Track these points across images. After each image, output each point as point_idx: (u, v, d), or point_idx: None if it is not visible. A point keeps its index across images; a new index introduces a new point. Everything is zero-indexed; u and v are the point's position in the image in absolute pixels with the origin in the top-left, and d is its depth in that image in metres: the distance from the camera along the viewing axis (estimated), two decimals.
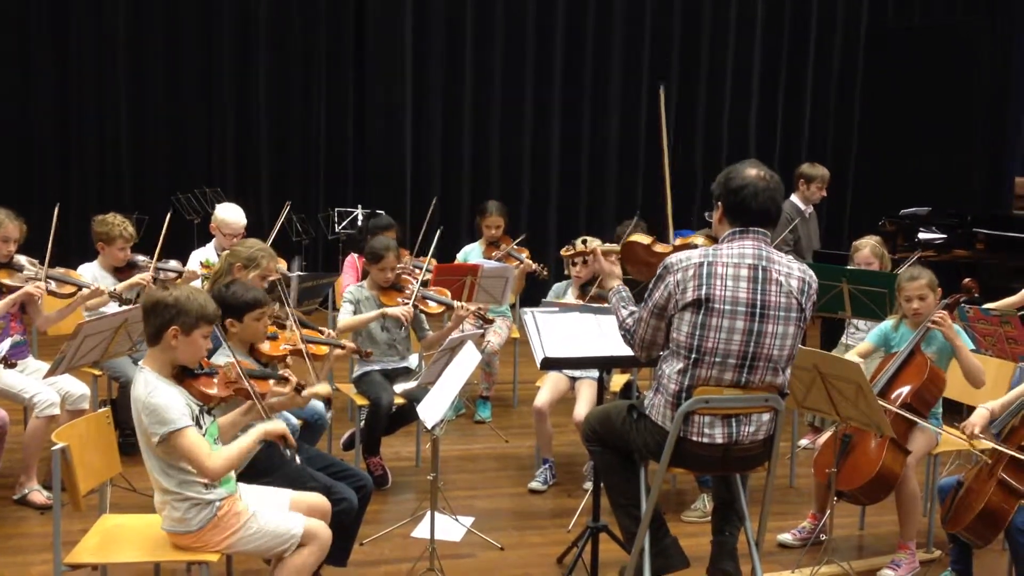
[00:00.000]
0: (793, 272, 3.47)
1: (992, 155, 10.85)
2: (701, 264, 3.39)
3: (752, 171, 3.50)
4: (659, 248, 3.94)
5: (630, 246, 4.00)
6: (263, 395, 3.56)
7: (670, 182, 4.22)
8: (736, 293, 3.37)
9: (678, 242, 3.96)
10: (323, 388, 3.92)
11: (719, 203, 3.54)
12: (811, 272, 3.56)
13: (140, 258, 5.60)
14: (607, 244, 4.08)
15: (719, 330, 3.36)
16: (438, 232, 5.80)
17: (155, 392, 3.27)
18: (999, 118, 10.88)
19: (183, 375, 3.38)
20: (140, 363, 3.39)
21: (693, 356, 3.38)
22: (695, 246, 3.68)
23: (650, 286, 3.51)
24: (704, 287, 3.36)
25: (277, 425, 3.39)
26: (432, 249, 5.78)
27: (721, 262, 3.39)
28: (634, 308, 3.67)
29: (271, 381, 3.68)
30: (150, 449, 3.30)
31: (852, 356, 4.81)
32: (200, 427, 3.33)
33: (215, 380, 3.46)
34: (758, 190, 3.45)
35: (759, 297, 3.38)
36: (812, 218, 7.39)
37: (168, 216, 5.81)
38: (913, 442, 4.38)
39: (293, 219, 9.00)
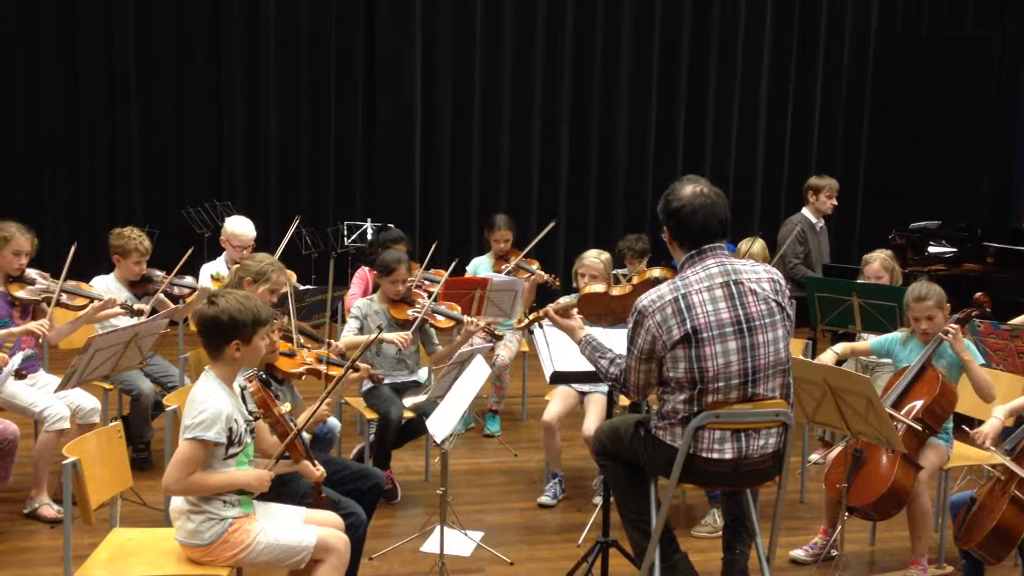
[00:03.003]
0: (762, 276, 3.48)
1: (1002, 168, 10.83)
2: (676, 299, 3.38)
3: (688, 189, 3.48)
4: (619, 291, 3.93)
5: (588, 298, 4.00)
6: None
7: None
8: (719, 316, 3.36)
9: (636, 280, 3.95)
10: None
11: (664, 226, 3.54)
12: (776, 270, 3.57)
13: (156, 272, 5.63)
14: (561, 301, 4.09)
15: (714, 357, 3.35)
16: (454, 263, 5.89)
17: (213, 396, 3.30)
18: (1008, 130, 10.87)
19: (262, 383, 3.44)
20: (207, 367, 3.43)
21: (698, 387, 3.38)
22: (655, 280, 3.68)
23: (628, 333, 3.49)
24: (688, 321, 3.35)
25: (257, 482, 3.38)
26: (429, 257, 5.83)
27: (694, 290, 3.38)
28: (612, 355, 3.66)
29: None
30: None
31: (838, 347, 4.81)
32: (237, 445, 3.34)
33: (277, 404, 3.51)
34: (695, 208, 3.44)
35: (741, 312, 3.38)
36: (823, 231, 7.38)
37: (190, 251, 5.84)
38: (925, 457, 4.36)
39: (303, 232, 9.02)
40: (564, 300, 4.11)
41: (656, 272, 3.85)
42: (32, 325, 4.88)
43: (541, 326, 4.14)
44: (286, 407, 3.67)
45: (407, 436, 5.32)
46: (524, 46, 10.33)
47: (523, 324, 4.16)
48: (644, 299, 3.43)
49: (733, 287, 3.40)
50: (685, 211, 3.43)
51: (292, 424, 3.51)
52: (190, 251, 5.79)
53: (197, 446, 3.24)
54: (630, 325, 3.46)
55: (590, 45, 10.51)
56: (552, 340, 4.17)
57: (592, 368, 4.06)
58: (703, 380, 3.35)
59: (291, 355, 4.07)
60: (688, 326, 3.34)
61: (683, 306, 3.35)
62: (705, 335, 3.33)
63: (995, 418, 4.15)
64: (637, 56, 10.63)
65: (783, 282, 3.53)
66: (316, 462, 3.56)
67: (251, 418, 3.44)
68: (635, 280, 3.93)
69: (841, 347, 4.90)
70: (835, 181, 7.32)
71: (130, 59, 9.60)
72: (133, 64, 9.61)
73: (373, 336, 5.21)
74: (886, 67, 11.01)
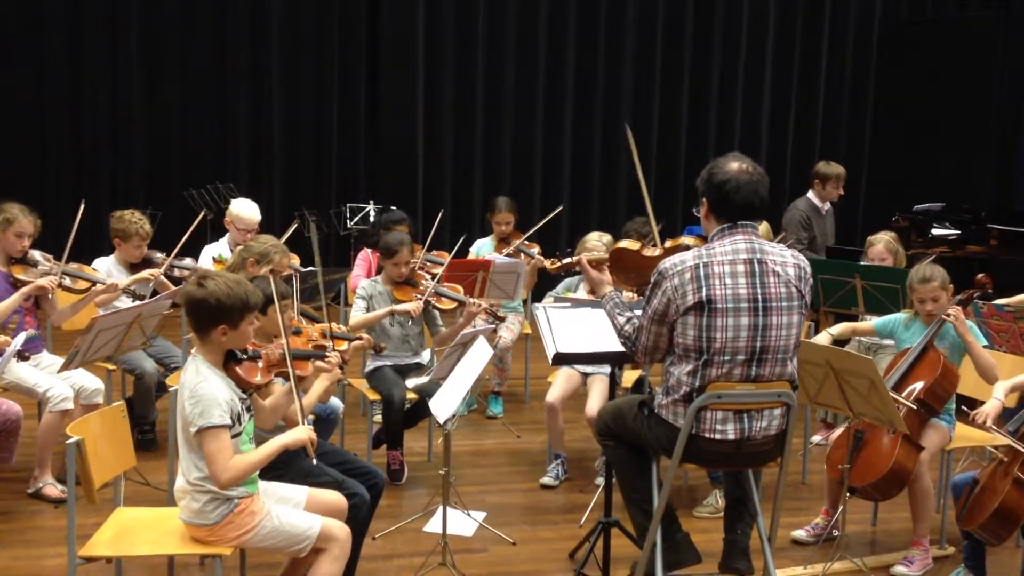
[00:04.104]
0: (788, 260, 3.46)
1: (1006, 151, 10.80)
2: (697, 266, 3.37)
3: (734, 164, 3.47)
4: (649, 252, 3.92)
5: (619, 253, 3.98)
6: (303, 378, 3.56)
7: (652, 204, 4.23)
8: (736, 290, 3.35)
9: (668, 244, 3.95)
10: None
11: (704, 199, 3.53)
12: (803, 257, 3.56)
13: (156, 255, 5.64)
14: (594, 254, 4.07)
15: (725, 329, 3.34)
16: (461, 239, 5.89)
17: (204, 382, 3.28)
18: (1013, 113, 10.82)
19: (227, 360, 3.39)
20: (193, 351, 3.41)
21: (703, 358, 3.37)
22: (686, 247, 3.66)
23: (647, 293, 3.49)
24: (704, 289, 3.34)
25: (299, 435, 3.37)
26: (433, 233, 5.85)
27: (716, 261, 3.38)
28: (630, 314, 3.66)
29: (314, 361, 3.68)
30: (187, 436, 3.31)
31: (834, 329, 4.83)
32: (239, 424, 3.34)
33: (258, 366, 3.45)
34: (740, 184, 3.43)
35: (759, 291, 3.37)
36: (828, 215, 7.35)
37: (197, 219, 5.87)
38: (926, 438, 4.36)
39: (305, 215, 9.02)
40: (598, 253, 4.09)
41: (689, 240, 3.85)
42: (42, 280, 4.89)
43: (573, 272, 4.08)
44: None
45: (417, 417, 5.33)
46: (527, 28, 10.30)
47: (556, 266, 4.17)
48: (666, 262, 3.43)
49: (756, 265, 3.39)
50: (730, 186, 3.42)
51: (285, 350, 3.48)
52: (190, 231, 5.78)
53: (212, 433, 3.23)
54: (650, 285, 3.46)
55: (593, 30, 10.47)
56: (555, 321, 4.17)
57: (594, 350, 4.08)
58: (709, 351, 3.35)
59: (298, 332, 4.08)
60: (703, 294, 3.34)
61: (702, 274, 3.35)
62: (719, 306, 3.33)
63: (996, 398, 4.16)
64: (641, 41, 10.59)
65: (809, 270, 3.51)
66: (325, 356, 3.64)
67: (244, 396, 3.44)
68: (668, 244, 3.92)
69: (839, 328, 4.90)
70: (843, 169, 7.24)
71: (133, 39, 9.57)
72: (136, 44, 9.58)
73: (386, 309, 5.24)
74: (890, 50, 10.97)
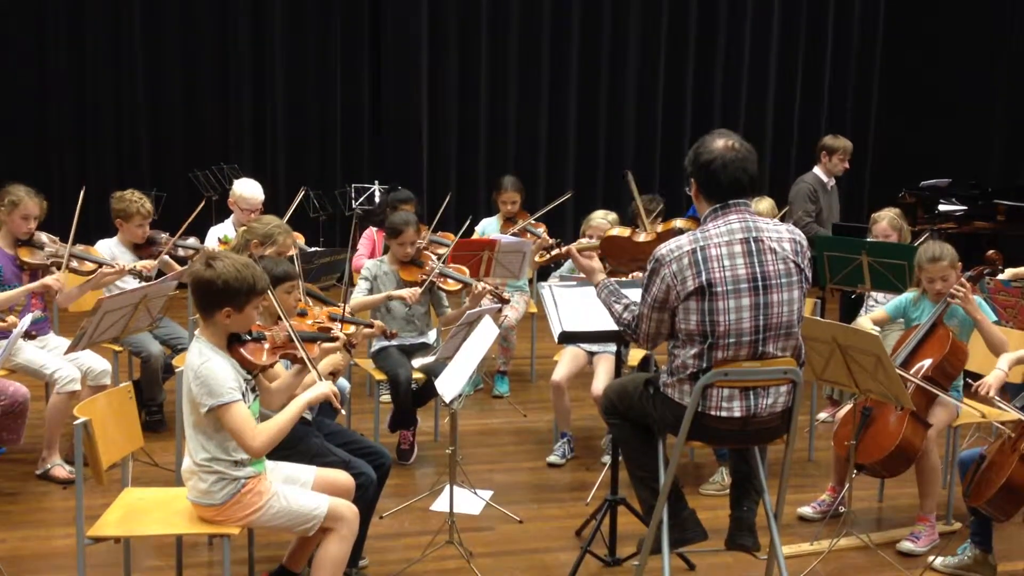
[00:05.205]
0: (783, 235, 3.43)
1: (1013, 126, 10.74)
2: (694, 251, 3.34)
3: (719, 142, 3.43)
4: (642, 238, 3.89)
5: (610, 241, 3.96)
6: (312, 359, 3.55)
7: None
8: (735, 271, 3.33)
9: (660, 228, 3.92)
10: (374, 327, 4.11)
11: (692, 180, 3.49)
12: (799, 231, 3.52)
13: (161, 235, 5.63)
14: (583, 241, 4.06)
15: (727, 312, 3.32)
16: (468, 221, 5.90)
17: (208, 363, 3.27)
18: (1021, 88, 10.76)
19: (231, 342, 3.38)
20: (196, 332, 3.40)
21: (708, 341, 3.36)
22: (679, 230, 3.63)
23: (644, 280, 3.47)
24: (703, 273, 3.32)
25: (321, 389, 3.38)
26: (461, 233, 5.85)
27: (713, 243, 3.35)
28: (627, 300, 3.65)
29: (319, 343, 3.66)
30: (195, 418, 3.32)
31: (865, 322, 4.81)
32: (244, 404, 3.33)
33: (263, 347, 3.44)
34: (726, 161, 3.39)
35: (758, 269, 3.35)
36: (833, 191, 7.33)
37: (203, 202, 5.86)
38: (933, 415, 4.36)
39: (310, 195, 9.01)
40: (586, 241, 4.08)
41: (680, 223, 3.81)
42: (48, 279, 4.90)
43: (561, 263, 4.07)
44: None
45: (426, 397, 5.33)
46: (531, 10, 10.25)
47: (545, 259, 4.16)
48: (662, 248, 3.40)
49: (753, 244, 3.36)
50: (715, 165, 3.39)
51: (290, 331, 3.47)
52: (196, 211, 5.78)
53: (226, 409, 3.23)
54: (646, 273, 3.44)
55: (597, 8, 10.42)
56: (560, 300, 4.16)
57: (600, 328, 4.07)
58: (714, 334, 3.34)
59: (303, 314, 4.08)
60: (703, 278, 3.32)
61: (700, 258, 3.33)
62: (719, 289, 3.31)
63: (999, 369, 4.14)
64: (645, 19, 10.54)
65: (805, 244, 3.48)
66: (329, 336, 3.65)
67: (249, 377, 3.44)
68: (659, 228, 3.90)
69: (873, 320, 4.86)
70: (849, 143, 7.21)
71: (136, 22, 9.56)
72: (139, 27, 9.57)
73: (383, 295, 5.24)
74: (897, 24, 10.89)
